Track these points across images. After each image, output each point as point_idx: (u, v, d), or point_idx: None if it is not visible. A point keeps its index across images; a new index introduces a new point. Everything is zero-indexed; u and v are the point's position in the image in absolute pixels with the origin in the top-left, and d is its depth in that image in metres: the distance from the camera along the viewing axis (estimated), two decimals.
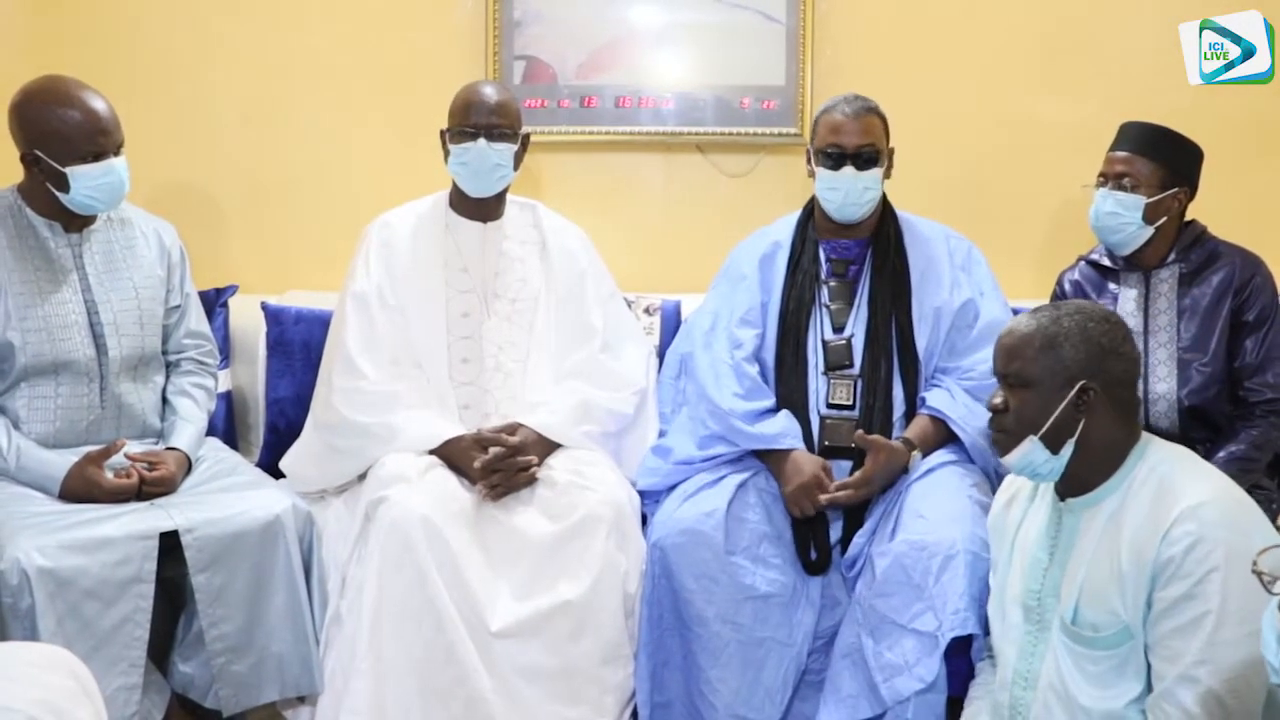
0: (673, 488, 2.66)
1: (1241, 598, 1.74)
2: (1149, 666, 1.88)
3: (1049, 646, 1.98)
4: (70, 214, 2.58)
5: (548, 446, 2.66)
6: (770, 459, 2.62)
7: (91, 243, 2.64)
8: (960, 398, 2.65)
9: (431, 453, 2.61)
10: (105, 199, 2.55)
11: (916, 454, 2.59)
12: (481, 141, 2.72)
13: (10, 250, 2.55)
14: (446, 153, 2.78)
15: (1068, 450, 1.95)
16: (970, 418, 2.61)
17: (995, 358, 2.04)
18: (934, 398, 2.66)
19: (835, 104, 2.74)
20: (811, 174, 2.79)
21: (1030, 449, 1.96)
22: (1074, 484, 1.99)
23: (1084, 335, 1.95)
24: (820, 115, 2.77)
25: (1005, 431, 2.00)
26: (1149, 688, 1.88)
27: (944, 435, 2.63)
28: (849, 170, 2.69)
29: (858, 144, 2.70)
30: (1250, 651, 1.66)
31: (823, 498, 2.53)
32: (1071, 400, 1.93)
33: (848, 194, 2.71)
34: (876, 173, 2.72)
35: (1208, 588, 1.78)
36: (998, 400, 2.02)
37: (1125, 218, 2.67)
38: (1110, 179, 2.69)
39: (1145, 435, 2.00)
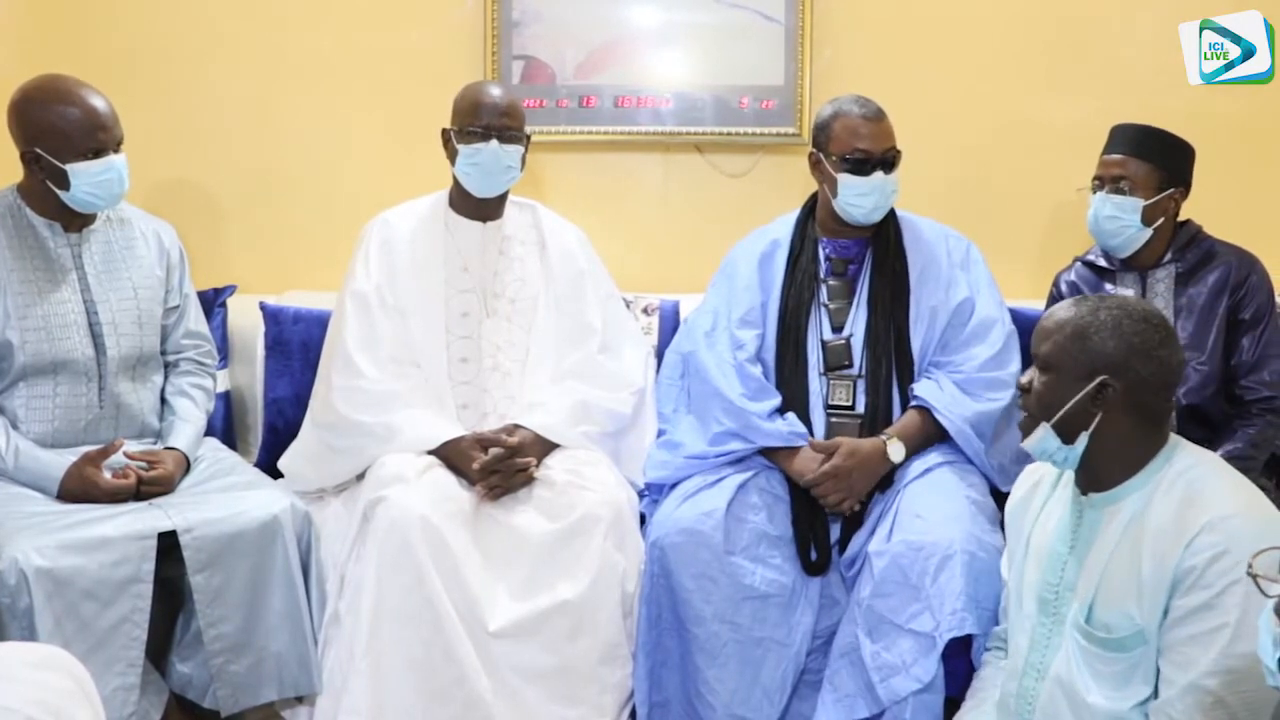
0: (675, 484, 2.66)
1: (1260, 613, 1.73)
2: (1158, 671, 1.87)
3: (1062, 640, 1.98)
4: (70, 214, 2.59)
5: (546, 447, 2.66)
6: (780, 457, 2.63)
7: (91, 243, 2.64)
8: (948, 388, 2.65)
9: (430, 453, 2.61)
10: (105, 196, 2.55)
11: (894, 442, 2.58)
12: (494, 143, 2.71)
13: (10, 250, 2.55)
14: (452, 152, 2.77)
15: (1082, 442, 1.93)
16: (955, 406, 2.61)
17: (1032, 338, 2.03)
18: (920, 388, 2.66)
19: (846, 108, 2.72)
20: (821, 179, 2.77)
21: (1043, 435, 1.95)
22: (1093, 478, 1.97)
23: (1117, 331, 1.92)
24: (830, 120, 2.73)
25: (1027, 413, 1.99)
26: (1157, 693, 1.87)
27: (930, 425, 2.63)
28: (878, 175, 2.68)
29: (884, 147, 2.69)
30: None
31: (813, 474, 2.55)
32: (1089, 393, 1.91)
33: (878, 199, 2.70)
34: (897, 174, 2.72)
35: (1227, 600, 1.76)
36: (1024, 378, 2.01)
37: (1124, 221, 2.67)
38: (1106, 182, 2.69)
39: (1174, 438, 1.97)
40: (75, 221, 2.62)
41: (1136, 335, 1.92)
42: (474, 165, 2.74)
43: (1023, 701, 2.02)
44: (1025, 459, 2.70)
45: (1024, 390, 2.00)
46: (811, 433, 2.65)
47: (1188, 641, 1.80)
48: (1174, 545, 1.83)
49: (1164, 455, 1.94)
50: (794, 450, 2.61)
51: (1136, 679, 1.87)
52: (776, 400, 2.68)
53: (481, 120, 2.72)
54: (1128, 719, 1.88)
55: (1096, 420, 1.92)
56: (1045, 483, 2.14)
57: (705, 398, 2.74)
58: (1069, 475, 2.05)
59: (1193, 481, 1.89)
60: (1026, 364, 2.76)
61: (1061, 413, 1.93)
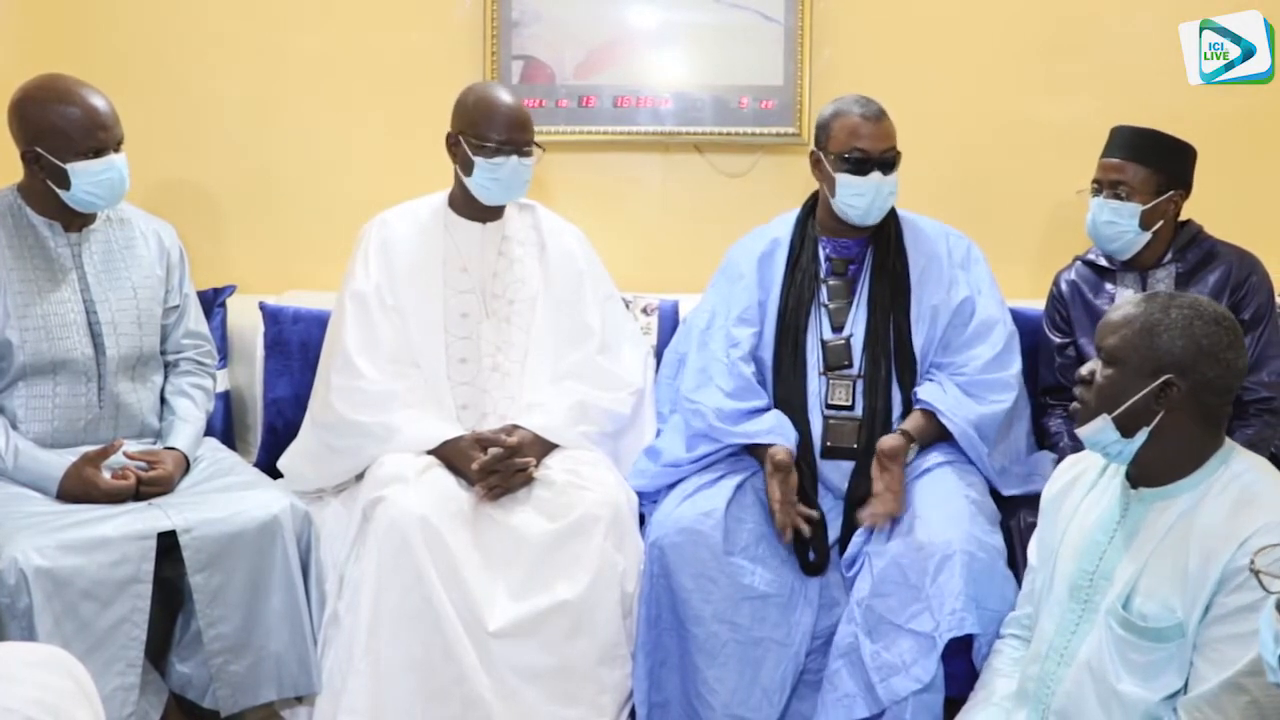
0: (660, 489, 2.67)
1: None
2: (1190, 665, 1.87)
3: (1093, 627, 1.97)
4: (70, 213, 2.59)
5: (545, 447, 2.66)
6: (759, 455, 2.63)
7: (91, 242, 2.64)
8: (951, 390, 2.65)
9: (430, 453, 2.61)
10: (106, 195, 2.55)
11: (914, 447, 2.59)
12: (514, 158, 2.71)
13: (9, 249, 2.55)
14: (463, 158, 2.73)
15: (1141, 438, 1.93)
16: (959, 409, 2.61)
17: (1097, 330, 2.02)
18: (925, 391, 2.66)
19: (847, 108, 2.72)
20: (821, 178, 2.77)
21: (1102, 426, 1.94)
22: (1147, 473, 1.97)
23: (1186, 331, 1.91)
24: (831, 119, 2.73)
25: (1084, 403, 1.98)
26: (1186, 687, 1.87)
27: (937, 428, 2.63)
28: (876, 175, 2.68)
29: (883, 148, 2.69)
30: None
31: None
32: (1153, 390, 1.90)
33: (874, 199, 2.69)
34: (896, 175, 2.71)
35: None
36: (1085, 370, 2.00)
37: (1122, 226, 2.67)
38: (1104, 186, 2.69)
39: (1229, 443, 1.97)
40: (75, 221, 2.62)
41: (1206, 337, 1.91)
42: (494, 180, 2.72)
43: (1043, 685, 2.02)
44: (1026, 461, 2.71)
45: (1084, 382, 1.99)
46: (809, 433, 2.65)
47: (1228, 640, 1.80)
48: (1225, 544, 1.83)
49: (1220, 457, 1.94)
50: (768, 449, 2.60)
51: (1170, 671, 1.87)
52: (759, 400, 2.68)
53: (501, 134, 2.70)
54: (1155, 711, 1.88)
55: (1158, 418, 1.92)
56: (1087, 476, 2.13)
57: (679, 399, 2.76)
58: (1115, 468, 2.05)
59: (1248, 485, 1.89)
60: (1026, 364, 2.79)
61: (1124, 407, 1.92)
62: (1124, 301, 2.01)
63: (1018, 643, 2.22)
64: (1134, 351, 1.93)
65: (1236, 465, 1.93)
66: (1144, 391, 1.91)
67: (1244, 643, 1.77)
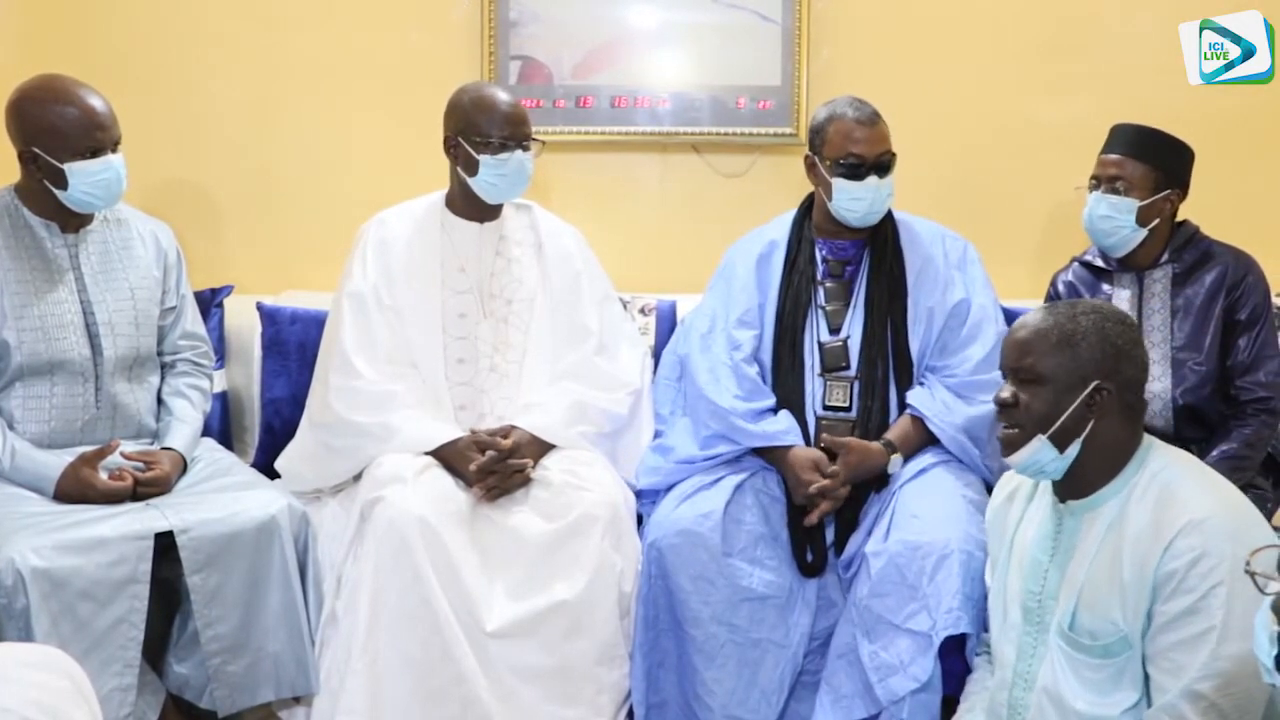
0: (671, 487, 2.66)
1: (1245, 613, 1.72)
2: (1145, 677, 1.86)
3: (1047, 648, 1.97)
4: (67, 214, 2.58)
5: (542, 447, 2.66)
6: (773, 456, 2.62)
7: (88, 243, 2.64)
8: (940, 395, 2.65)
9: (429, 454, 2.61)
10: (103, 196, 2.55)
11: (897, 456, 2.59)
12: (519, 153, 2.71)
13: (6, 250, 2.55)
14: (466, 159, 2.73)
15: (1074, 450, 1.93)
16: (946, 414, 2.61)
17: (1005, 352, 2.01)
18: (914, 396, 2.66)
19: (841, 111, 2.71)
20: (817, 182, 2.77)
21: (1039, 448, 1.93)
22: (1074, 485, 1.97)
23: (1101, 335, 1.92)
24: (825, 123, 2.72)
25: (1016, 427, 1.96)
26: (1145, 697, 1.87)
27: (925, 433, 2.63)
28: (872, 180, 2.67)
29: (878, 152, 2.68)
30: (1252, 665, 1.65)
31: (811, 489, 2.53)
32: (1084, 400, 1.91)
33: (872, 203, 2.69)
34: (892, 177, 2.71)
35: (1211, 603, 1.76)
36: (1006, 394, 1.98)
37: (1119, 221, 2.67)
38: (1103, 182, 2.69)
39: (1148, 439, 1.98)
40: (72, 222, 2.62)
41: (1119, 337, 1.93)
42: (501, 176, 2.72)
43: (1014, 712, 2.02)
44: None
45: (1007, 405, 1.97)
46: (805, 434, 2.65)
47: (1176, 647, 1.80)
48: (1152, 549, 1.83)
49: (1138, 458, 1.95)
50: (787, 450, 2.60)
51: (1124, 684, 1.88)
52: (770, 400, 2.68)
53: (504, 130, 2.70)
54: None
55: (1089, 426, 1.92)
56: (1022, 491, 2.13)
57: (695, 400, 2.75)
58: (1046, 484, 2.04)
59: (1167, 484, 1.89)
60: None
61: (1059, 424, 1.92)
62: (1025, 319, 2.00)
63: (989, 659, 2.22)
64: (1056, 366, 1.93)
65: (1154, 464, 1.93)
66: (1076, 403, 1.91)
67: (1191, 648, 1.78)
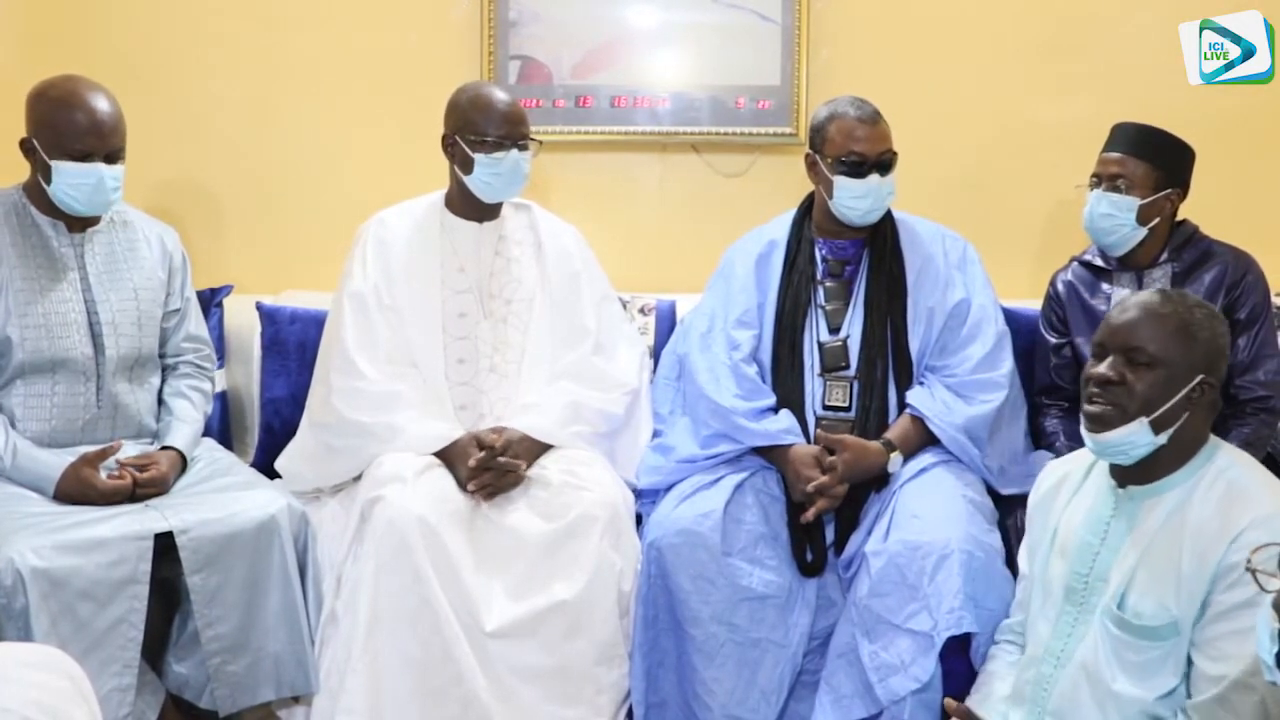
0: (672, 486, 2.66)
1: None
2: (1188, 663, 1.87)
3: (1089, 628, 1.97)
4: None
5: (537, 447, 2.66)
6: (774, 455, 2.62)
7: (94, 243, 2.64)
8: (940, 394, 2.65)
9: (433, 454, 2.61)
10: (83, 201, 2.54)
11: (896, 455, 2.59)
12: (514, 152, 2.71)
13: (13, 247, 2.56)
14: (463, 158, 2.73)
15: (1164, 438, 1.93)
16: (946, 414, 2.61)
17: (1112, 330, 1.98)
18: (913, 395, 2.66)
19: (842, 109, 2.71)
20: (818, 181, 2.76)
21: (1138, 429, 1.92)
22: (1143, 471, 1.97)
23: (1213, 332, 1.95)
24: (826, 122, 2.72)
25: (1114, 405, 1.94)
26: (1184, 685, 1.87)
27: (925, 433, 2.63)
28: (874, 178, 2.67)
29: (879, 150, 2.68)
30: None
31: (809, 487, 2.52)
32: (1188, 391, 1.92)
33: (874, 201, 2.69)
34: (893, 176, 2.71)
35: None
36: (1110, 371, 1.96)
37: (1119, 219, 2.67)
38: (1104, 180, 2.70)
39: (1213, 437, 1.99)
40: (78, 222, 2.62)
41: (1222, 336, 1.96)
42: (496, 175, 2.72)
43: (1039, 688, 2.02)
44: (1025, 461, 2.71)
45: (1111, 383, 1.95)
46: (805, 433, 2.65)
47: (1227, 636, 1.81)
48: (1218, 540, 1.84)
49: (1206, 453, 1.96)
50: (788, 449, 2.60)
51: (1166, 670, 1.88)
52: (770, 399, 2.68)
53: (500, 129, 2.70)
54: (1150, 710, 1.89)
55: (1184, 417, 1.93)
56: (1073, 478, 2.13)
57: (695, 399, 2.75)
58: (1099, 471, 2.05)
59: (1235, 480, 1.90)
60: (1024, 364, 2.78)
61: (1164, 409, 1.92)
62: (1138, 300, 2.00)
63: (1012, 648, 2.22)
64: (1174, 352, 1.93)
65: (1221, 460, 1.95)
66: (1182, 393, 1.92)
67: (1244, 639, 1.77)
